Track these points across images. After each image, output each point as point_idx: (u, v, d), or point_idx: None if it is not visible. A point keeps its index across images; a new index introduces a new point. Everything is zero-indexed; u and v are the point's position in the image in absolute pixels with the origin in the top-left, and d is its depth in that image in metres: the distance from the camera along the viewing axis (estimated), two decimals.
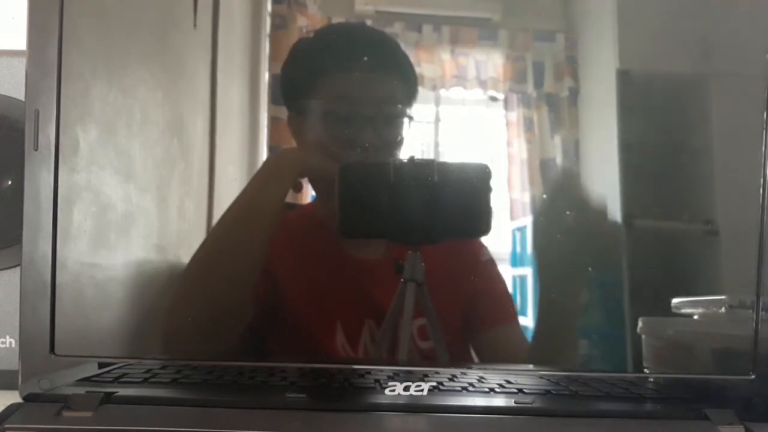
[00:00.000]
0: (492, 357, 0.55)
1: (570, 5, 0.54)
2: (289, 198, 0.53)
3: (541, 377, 0.53)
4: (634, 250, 0.53)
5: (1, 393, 0.54)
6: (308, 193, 0.53)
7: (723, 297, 0.52)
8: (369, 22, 0.53)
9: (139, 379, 0.51)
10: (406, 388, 0.51)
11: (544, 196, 0.53)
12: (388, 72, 0.53)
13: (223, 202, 0.52)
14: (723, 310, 0.52)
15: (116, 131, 0.51)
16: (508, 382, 0.52)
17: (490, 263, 0.53)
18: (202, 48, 0.52)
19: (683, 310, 0.53)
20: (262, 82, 0.53)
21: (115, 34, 0.52)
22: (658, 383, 0.53)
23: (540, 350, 0.53)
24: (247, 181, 0.52)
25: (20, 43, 0.51)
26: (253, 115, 0.53)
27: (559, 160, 0.53)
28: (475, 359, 0.55)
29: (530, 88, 0.54)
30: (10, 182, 0.61)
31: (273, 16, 0.53)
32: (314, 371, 0.52)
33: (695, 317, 0.53)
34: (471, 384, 0.52)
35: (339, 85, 0.53)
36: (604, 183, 0.53)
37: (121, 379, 0.51)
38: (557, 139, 0.53)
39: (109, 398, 0.50)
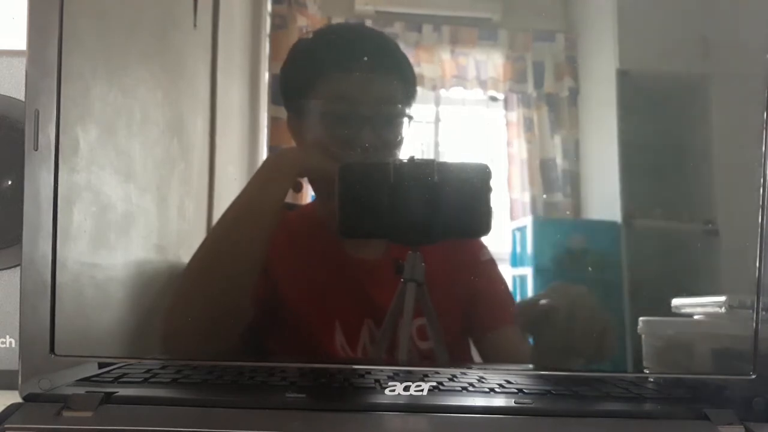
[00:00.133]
0: (492, 357, 0.55)
1: (570, 5, 0.54)
2: (289, 198, 0.53)
3: (541, 377, 0.53)
4: (634, 250, 0.53)
5: (1, 393, 0.54)
6: (308, 193, 0.53)
7: (723, 297, 0.52)
8: (369, 22, 0.53)
9: (139, 379, 0.51)
10: (406, 388, 0.51)
11: (544, 196, 0.53)
12: (388, 72, 0.53)
13: (223, 202, 0.52)
14: (723, 310, 0.52)
15: (116, 131, 0.51)
16: (508, 382, 0.52)
17: (491, 263, 0.53)
18: (202, 48, 0.52)
19: (683, 310, 0.53)
20: (262, 82, 0.53)
21: (115, 34, 0.52)
22: (658, 383, 0.53)
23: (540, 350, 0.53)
24: (247, 181, 0.52)
25: (20, 43, 0.51)
26: (253, 115, 0.53)
27: (559, 160, 0.53)
28: (475, 359, 0.55)
29: (530, 88, 0.54)
30: (10, 182, 0.61)
31: (273, 16, 0.53)
32: (314, 371, 0.52)
33: (695, 317, 0.53)
34: (471, 384, 0.52)
35: (339, 85, 0.53)
36: (604, 183, 0.53)
37: (121, 379, 0.51)
38: (557, 139, 0.53)
39: (109, 398, 0.50)
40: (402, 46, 0.53)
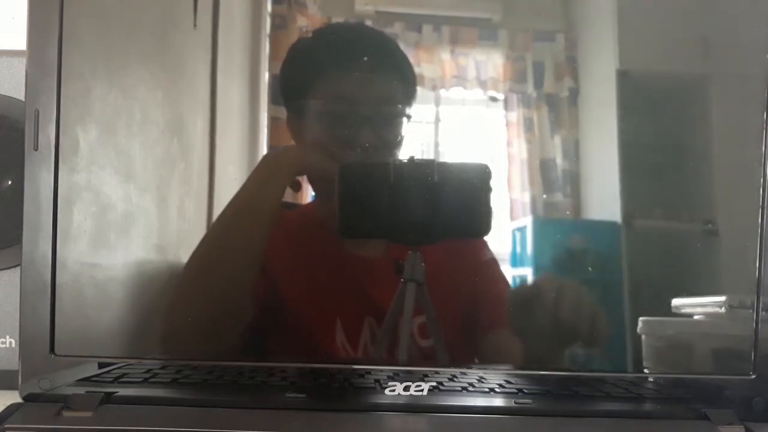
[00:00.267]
0: (492, 357, 0.55)
1: (570, 5, 0.54)
2: (289, 198, 0.53)
3: (541, 377, 0.53)
4: (634, 250, 0.53)
5: (1, 393, 0.54)
6: (307, 193, 0.53)
7: (723, 297, 0.52)
8: (369, 22, 0.53)
9: (139, 379, 0.51)
10: (406, 388, 0.51)
11: (544, 196, 0.53)
12: (388, 72, 0.53)
13: (223, 202, 0.52)
14: (723, 310, 0.52)
15: (116, 131, 0.51)
16: (508, 382, 0.52)
17: (491, 263, 0.53)
18: (202, 48, 0.52)
19: (683, 311, 0.53)
20: (262, 82, 0.53)
21: (115, 34, 0.52)
22: (658, 383, 0.53)
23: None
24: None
25: (20, 43, 0.51)
26: (253, 115, 0.53)
27: (559, 160, 0.53)
28: (476, 359, 0.55)
29: (530, 88, 0.54)
30: (10, 182, 0.61)
31: (273, 16, 0.53)
32: (314, 371, 0.52)
33: (695, 317, 0.53)
34: (471, 384, 0.52)
35: (339, 84, 0.53)
36: (604, 183, 0.53)
37: (121, 379, 0.51)
38: (557, 139, 0.53)
39: (109, 398, 0.50)
40: (402, 46, 0.53)
